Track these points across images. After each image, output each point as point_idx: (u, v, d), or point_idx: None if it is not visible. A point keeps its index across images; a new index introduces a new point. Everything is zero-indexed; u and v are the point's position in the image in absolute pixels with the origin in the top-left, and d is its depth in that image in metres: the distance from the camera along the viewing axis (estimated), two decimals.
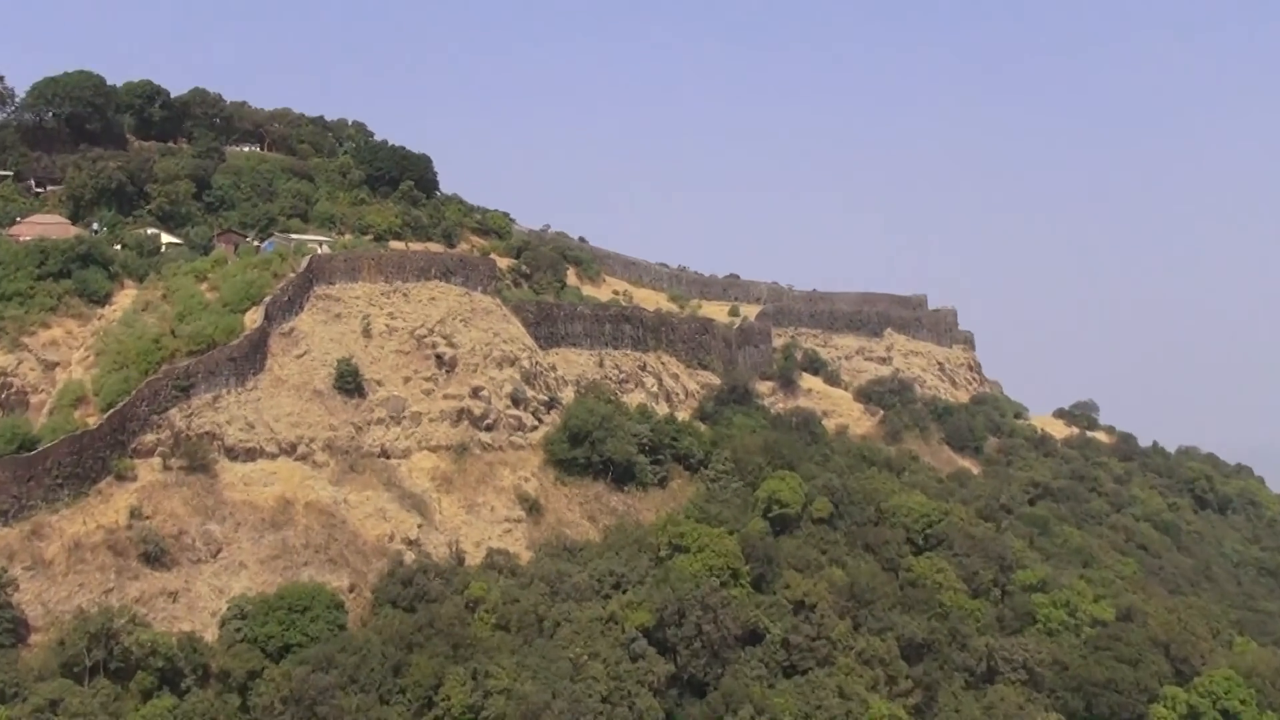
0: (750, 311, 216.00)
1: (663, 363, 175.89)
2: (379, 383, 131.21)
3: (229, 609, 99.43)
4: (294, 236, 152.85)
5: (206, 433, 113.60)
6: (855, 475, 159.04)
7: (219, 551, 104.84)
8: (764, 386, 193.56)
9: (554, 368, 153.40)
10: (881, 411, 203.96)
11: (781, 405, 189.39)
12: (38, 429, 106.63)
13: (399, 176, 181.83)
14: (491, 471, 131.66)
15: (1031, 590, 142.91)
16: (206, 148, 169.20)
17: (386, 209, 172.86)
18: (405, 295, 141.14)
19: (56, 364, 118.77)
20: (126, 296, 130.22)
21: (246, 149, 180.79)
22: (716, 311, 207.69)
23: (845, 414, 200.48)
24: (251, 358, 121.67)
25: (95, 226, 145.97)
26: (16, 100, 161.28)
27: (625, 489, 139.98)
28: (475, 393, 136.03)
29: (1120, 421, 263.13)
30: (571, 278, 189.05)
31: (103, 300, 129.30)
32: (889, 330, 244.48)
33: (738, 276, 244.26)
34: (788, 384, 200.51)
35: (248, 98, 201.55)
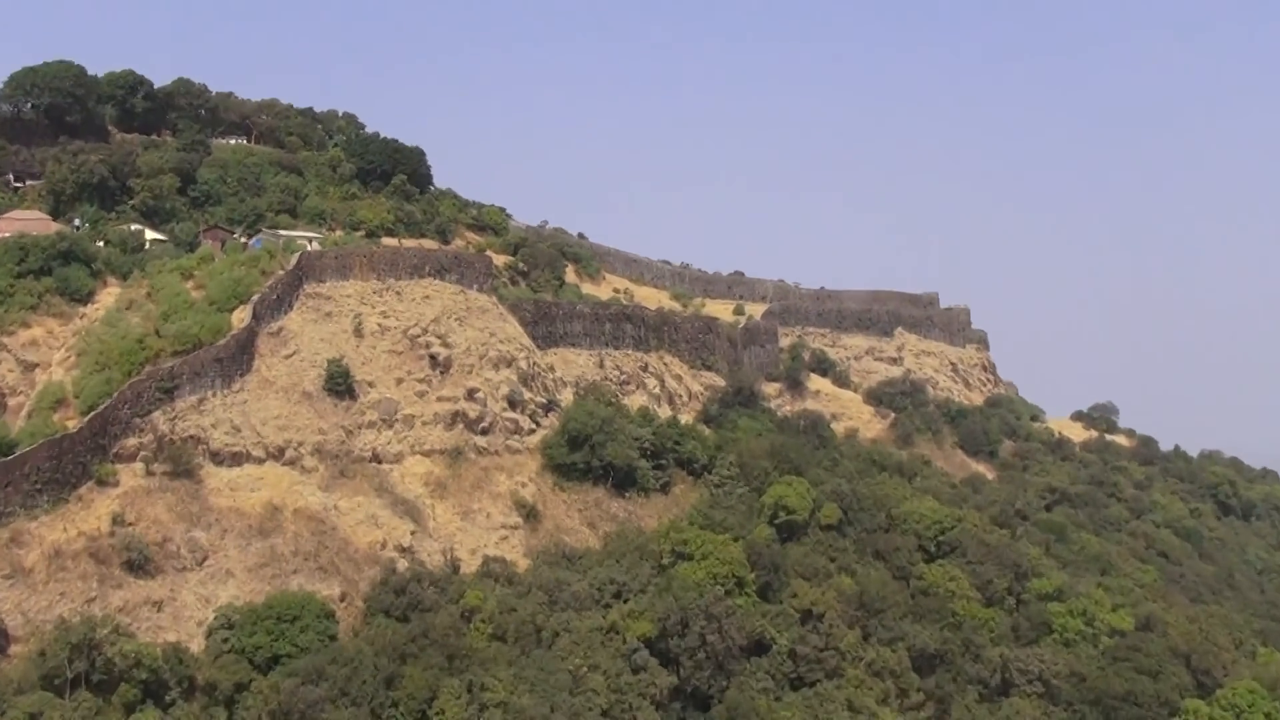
0: (756, 310, 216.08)
1: (665, 363, 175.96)
2: (371, 384, 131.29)
3: (215, 619, 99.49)
4: (282, 233, 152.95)
5: (191, 436, 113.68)
6: (865, 480, 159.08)
7: (205, 559, 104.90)
8: (770, 388, 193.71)
9: (552, 369, 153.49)
10: (892, 414, 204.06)
11: (788, 407, 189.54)
12: (16, 432, 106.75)
13: (391, 170, 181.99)
14: (487, 476, 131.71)
15: (1048, 599, 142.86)
16: (191, 140, 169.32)
17: (378, 204, 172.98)
18: (398, 294, 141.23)
19: (36, 365, 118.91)
20: (109, 295, 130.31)
21: (233, 141, 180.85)
22: (721, 310, 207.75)
23: (854, 416, 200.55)
24: (238, 358, 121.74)
25: (76, 222, 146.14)
26: None
27: (626, 494, 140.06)
28: (470, 395, 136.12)
29: (1141, 424, 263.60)
30: (570, 275, 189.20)
31: (84, 299, 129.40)
32: (900, 329, 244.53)
33: (743, 274, 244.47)
34: (795, 385, 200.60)
35: (234, 88, 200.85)
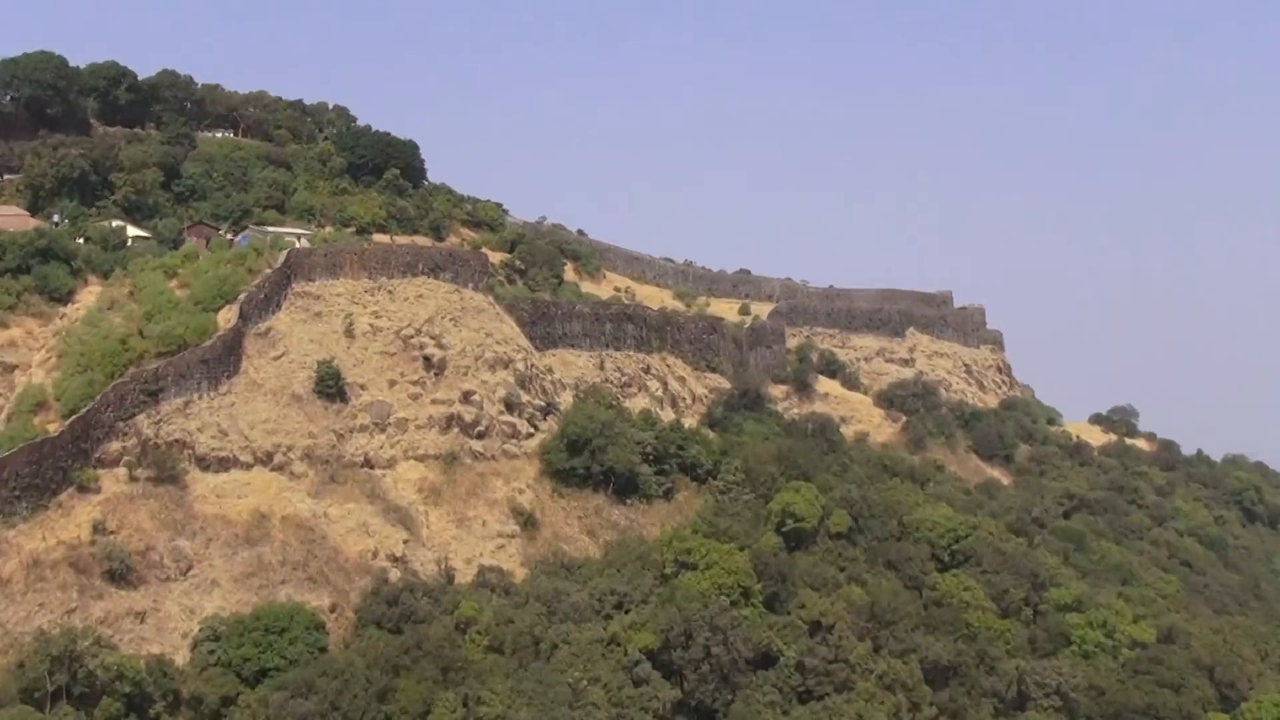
0: (762, 310, 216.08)
1: (668, 365, 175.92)
2: (362, 387, 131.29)
3: (201, 630, 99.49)
4: (270, 229, 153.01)
5: (176, 441, 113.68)
6: (876, 486, 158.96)
7: (190, 569, 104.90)
8: (777, 390, 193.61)
9: (551, 370, 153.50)
10: (904, 417, 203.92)
11: (796, 411, 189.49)
12: None
13: (383, 164, 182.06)
14: (483, 482, 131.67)
15: (1066, 610, 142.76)
16: (176, 134, 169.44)
17: (370, 199, 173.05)
18: (390, 292, 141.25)
19: (15, 366, 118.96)
20: (90, 294, 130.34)
21: (219, 135, 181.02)
22: (726, 310, 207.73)
23: (865, 420, 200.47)
24: (225, 360, 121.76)
25: (56, 218, 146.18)
26: None
27: (627, 501, 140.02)
28: (466, 397, 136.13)
29: (1162, 428, 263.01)
30: (569, 273, 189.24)
31: (64, 298, 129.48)
32: (911, 330, 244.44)
33: (748, 272, 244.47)
34: (803, 388, 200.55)
35: (220, 80, 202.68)
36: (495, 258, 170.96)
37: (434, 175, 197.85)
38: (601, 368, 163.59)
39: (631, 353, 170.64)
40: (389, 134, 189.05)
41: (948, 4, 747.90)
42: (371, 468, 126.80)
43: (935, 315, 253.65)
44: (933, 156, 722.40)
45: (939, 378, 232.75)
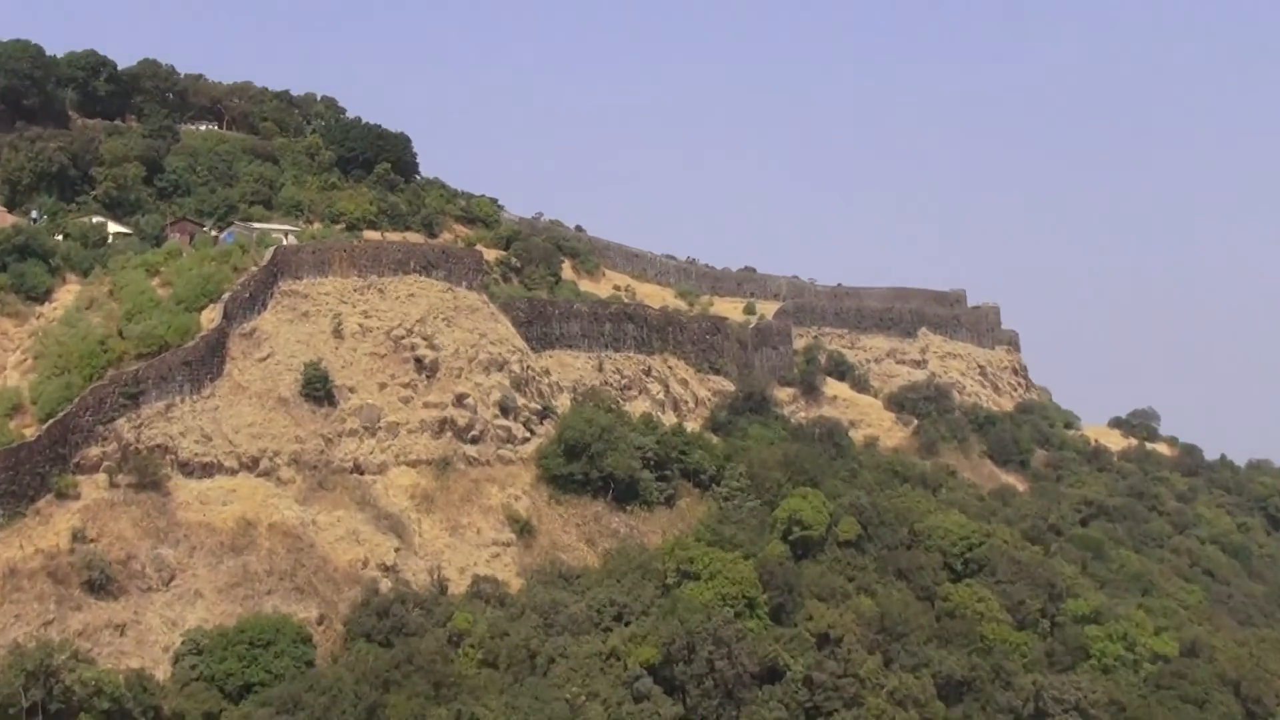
0: (768, 309, 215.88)
1: (670, 367, 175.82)
2: (351, 389, 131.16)
3: (183, 643, 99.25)
4: (256, 226, 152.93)
5: (158, 445, 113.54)
6: (886, 493, 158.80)
7: (172, 579, 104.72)
8: (783, 393, 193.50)
9: (548, 372, 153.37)
10: (915, 421, 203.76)
11: (803, 414, 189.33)
12: None
13: (374, 158, 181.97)
14: (477, 489, 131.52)
15: (1084, 621, 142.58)
16: (158, 126, 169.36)
17: (360, 195, 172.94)
18: (381, 291, 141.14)
19: None
20: (69, 293, 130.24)
21: (203, 127, 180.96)
22: (730, 309, 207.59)
23: (875, 424, 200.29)
24: (208, 361, 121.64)
25: (34, 214, 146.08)
26: None
27: (628, 508, 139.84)
28: (459, 400, 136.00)
29: (1184, 432, 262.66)
30: (567, 271, 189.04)
31: (42, 297, 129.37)
32: (923, 330, 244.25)
33: (754, 270, 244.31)
34: (810, 390, 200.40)
35: (204, 70, 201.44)
36: (490, 255, 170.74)
37: (427, 169, 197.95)
38: (600, 369, 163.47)
39: (632, 354, 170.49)
40: (380, 126, 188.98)
41: None
42: (361, 473, 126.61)
43: (948, 315, 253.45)
44: (946, 150, 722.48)
45: (952, 380, 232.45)
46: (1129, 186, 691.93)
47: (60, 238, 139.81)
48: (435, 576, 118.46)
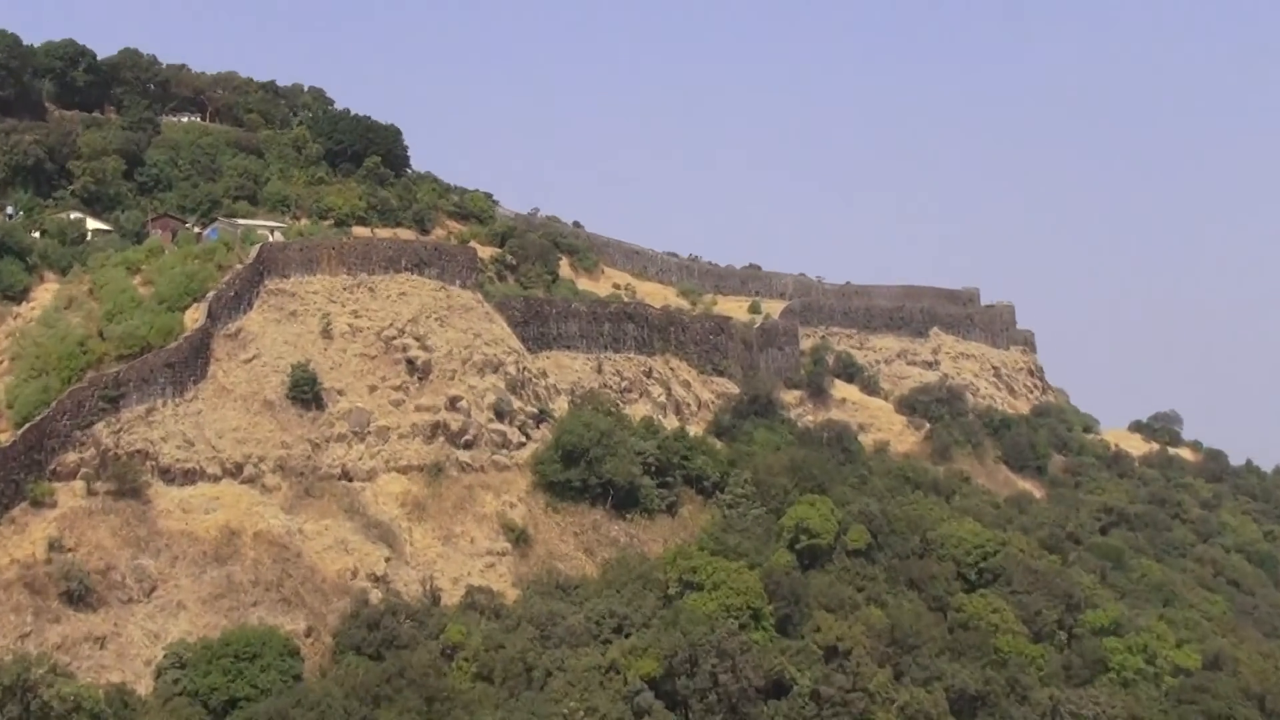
0: (774, 308, 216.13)
1: (671, 368, 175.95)
2: (340, 392, 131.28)
3: (165, 657, 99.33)
4: (241, 222, 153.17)
5: (138, 451, 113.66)
6: (897, 499, 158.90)
7: (153, 590, 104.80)
8: (790, 396, 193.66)
9: (544, 374, 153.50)
10: (927, 425, 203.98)
11: (810, 418, 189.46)
12: None
13: (363, 151, 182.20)
14: (471, 496, 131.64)
15: (1103, 634, 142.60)
16: (139, 118, 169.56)
17: (349, 189, 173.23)
18: (371, 290, 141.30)
19: None
20: (46, 292, 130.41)
21: (185, 119, 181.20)
22: (734, 308, 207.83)
23: (885, 428, 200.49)
24: (192, 363, 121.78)
25: (9, 210, 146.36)
26: None
27: (628, 516, 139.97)
28: (452, 404, 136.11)
29: (1208, 436, 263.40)
30: (565, 269, 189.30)
31: (18, 296, 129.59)
32: (935, 330, 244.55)
33: (759, 267, 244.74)
34: (818, 393, 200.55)
35: (187, 60, 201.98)
36: (484, 252, 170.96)
37: (418, 163, 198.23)
38: (599, 371, 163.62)
39: (632, 355, 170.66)
40: (369, 118, 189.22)
41: None
42: (350, 480, 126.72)
43: (961, 314, 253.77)
44: (957, 146, 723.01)
45: (965, 382, 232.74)
46: (1153, 181, 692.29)
47: (37, 234, 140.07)
48: (427, 587, 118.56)
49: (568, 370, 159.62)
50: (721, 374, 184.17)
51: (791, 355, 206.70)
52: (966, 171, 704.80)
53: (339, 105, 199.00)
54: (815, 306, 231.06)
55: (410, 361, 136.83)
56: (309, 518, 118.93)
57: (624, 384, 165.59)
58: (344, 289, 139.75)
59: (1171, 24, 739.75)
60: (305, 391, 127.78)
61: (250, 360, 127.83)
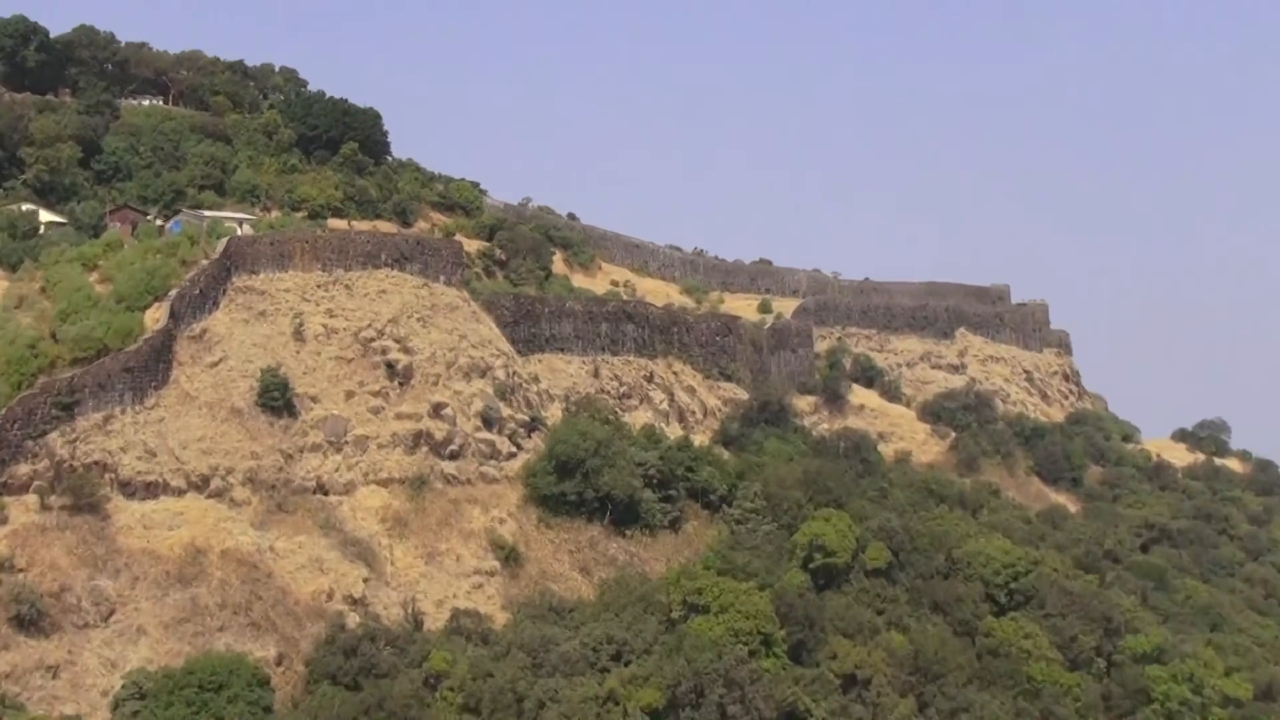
0: (785, 307, 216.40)
1: (674, 372, 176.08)
2: (314, 399, 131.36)
3: (124, 687, 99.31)
4: (207, 214, 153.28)
5: (96, 462, 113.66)
6: (920, 515, 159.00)
7: (111, 614, 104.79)
8: (803, 402, 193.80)
9: (537, 379, 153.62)
10: (953, 433, 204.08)
11: (826, 426, 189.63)
12: None
13: (340, 137, 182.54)
14: (457, 511, 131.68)
15: (1145, 661, 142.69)
16: (95, 101, 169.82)
17: (324, 178, 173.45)
18: (347, 287, 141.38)
19: None
20: None
21: (146, 103, 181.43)
22: (743, 307, 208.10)
23: (907, 436, 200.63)
24: (153, 367, 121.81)
25: None
26: None
27: (627, 533, 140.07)
28: (436, 411, 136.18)
29: (1257, 445, 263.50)
30: (558, 265, 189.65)
31: None
32: (962, 330, 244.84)
33: (770, 263, 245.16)
34: (833, 399, 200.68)
35: (148, 37, 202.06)
36: (471, 246, 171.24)
37: (399, 150, 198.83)
38: (596, 375, 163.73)
39: (631, 358, 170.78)
40: (346, 101, 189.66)
41: None
42: (325, 494, 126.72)
43: (990, 313, 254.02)
44: (983, 128, 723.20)
45: (994, 387, 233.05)
46: (1199, 166, 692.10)
47: None
48: (409, 610, 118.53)
49: (562, 374, 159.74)
50: (729, 378, 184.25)
51: (805, 358, 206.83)
52: (996, 159, 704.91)
53: (313, 87, 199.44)
54: (831, 305, 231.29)
55: (390, 365, 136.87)
56: (281, 534, 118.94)
57: (623, 389, 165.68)
58: (318, 286, 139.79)
59: (1171, 24, 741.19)
60: (276, 398, 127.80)
61: (216, 364, 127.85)
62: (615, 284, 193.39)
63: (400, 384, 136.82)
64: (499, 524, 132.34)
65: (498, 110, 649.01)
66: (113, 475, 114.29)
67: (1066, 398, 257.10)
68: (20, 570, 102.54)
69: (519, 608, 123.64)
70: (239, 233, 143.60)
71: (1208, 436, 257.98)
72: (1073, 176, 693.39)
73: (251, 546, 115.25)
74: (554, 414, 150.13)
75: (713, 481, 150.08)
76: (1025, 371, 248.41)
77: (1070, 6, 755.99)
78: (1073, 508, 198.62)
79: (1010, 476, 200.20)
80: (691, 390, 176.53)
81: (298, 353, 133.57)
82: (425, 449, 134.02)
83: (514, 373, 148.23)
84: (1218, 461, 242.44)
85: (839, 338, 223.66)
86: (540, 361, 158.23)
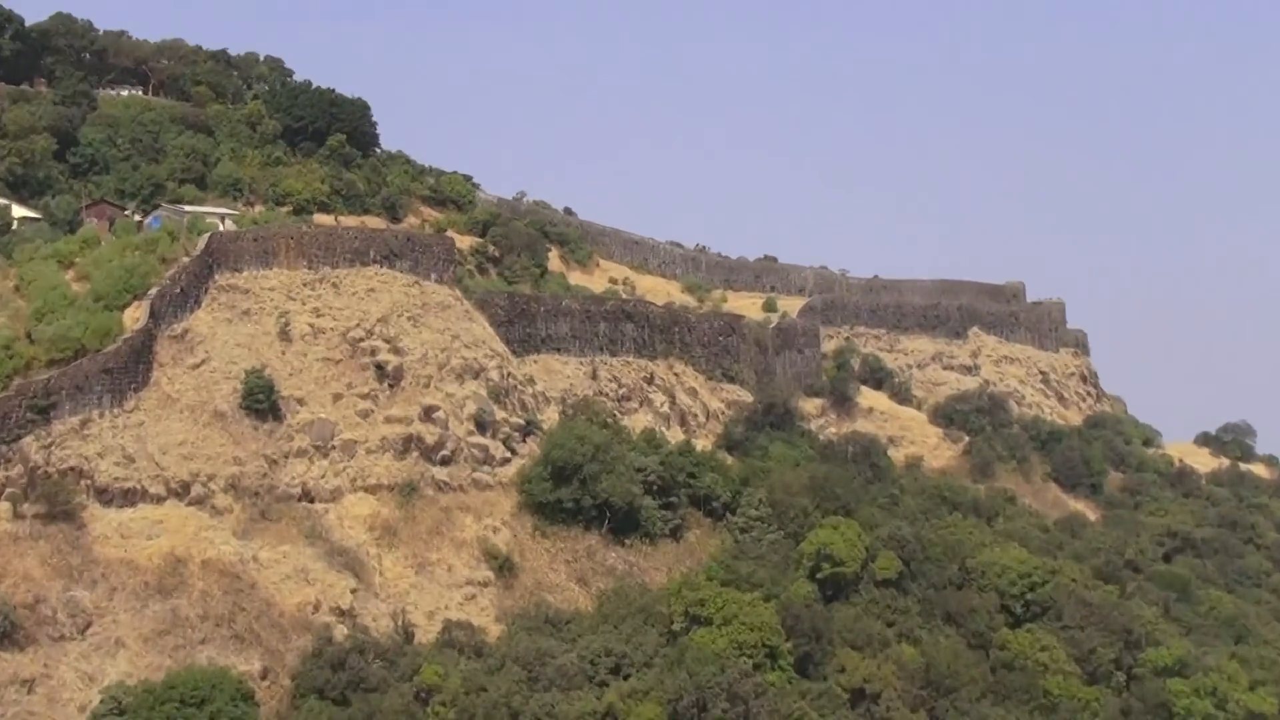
0: (791, 305, 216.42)
1: (676, 374, 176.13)
2: (300, 401, 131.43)
3: (102, 702, 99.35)
4: (188, 208, 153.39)
5: (72, 468, 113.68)
6: (932, 523, 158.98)
7: (88, 626, 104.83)
8: (810, 405, 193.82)
9: (532, 381, 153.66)
10: (966, 437, 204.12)
11: (834, 430, 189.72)
12: None
13: (326, 129, 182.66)
14: (449, 519, 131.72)
15: (1167, 674, 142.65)
16: (72, 91, 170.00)
17: (310, 171, 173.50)
18: (335, 286, 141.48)
19: None
20: None
21: (125, 93, 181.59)
22: (747, 306, 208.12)
23: (918, 440, 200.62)
24: (132, 369, 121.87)
25: None
26: None
27: (626, 542, 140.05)
28: (427, 414, 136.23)
29: None
30: (555, 262, 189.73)
31: None
32: (975, 330, 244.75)
33: (775, 259, 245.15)
34: (841, 401, 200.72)
35: (127, 25, 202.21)
36: (463, 242, 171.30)
37: (388, 142, 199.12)
38: (594, 377, 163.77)
39: (631, 359, 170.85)
40: (333, 91, 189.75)
41: None
42: (311, 501, 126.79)
43: (1004, 312, 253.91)
44: (995, 120, 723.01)
45: (1009, 389, 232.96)
46: (1220, 158, 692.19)
47: None
48: (399, 622, 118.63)
49: (558, 376, 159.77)
50: (732, 380, 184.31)
51: (812, 359, 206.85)
52: (1010, 151, 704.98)
53: (299, 77, 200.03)
54: (838, 304, 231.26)
55: (379, 366, 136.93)
56: (265, 544, 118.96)
57: (622, 392, 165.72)
58: (304, 284, 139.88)
59: (1171, 24, 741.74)
60: (260, 401, 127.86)
61: (198, 365, 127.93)
62: (614, 282, 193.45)
63: (390, 386, 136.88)
64: (492, 532, 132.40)
65: (491, 100, 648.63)
66: (90, 482, 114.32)
67: (1084, 400, 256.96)
68: None
69: (513, 619, 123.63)
70: (221, 228, 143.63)
71: (1232, 440, 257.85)
72: (1087, 172, 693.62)
73: (234, 556, 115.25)
74: (550, 417, 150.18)
75: (715, 488, 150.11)
76: (1041, 372, 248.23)
77: (1072, 5, 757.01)
78: (1092, 515, 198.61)
79: (1026, 482, 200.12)
80: (693, 392, 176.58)
81: (283, 353, 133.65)
82: (416, 454, 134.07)
83: (508, 374, 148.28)
84: (1243, 467, 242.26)
85: (847, 337, 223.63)
86: (536, 362, 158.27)
